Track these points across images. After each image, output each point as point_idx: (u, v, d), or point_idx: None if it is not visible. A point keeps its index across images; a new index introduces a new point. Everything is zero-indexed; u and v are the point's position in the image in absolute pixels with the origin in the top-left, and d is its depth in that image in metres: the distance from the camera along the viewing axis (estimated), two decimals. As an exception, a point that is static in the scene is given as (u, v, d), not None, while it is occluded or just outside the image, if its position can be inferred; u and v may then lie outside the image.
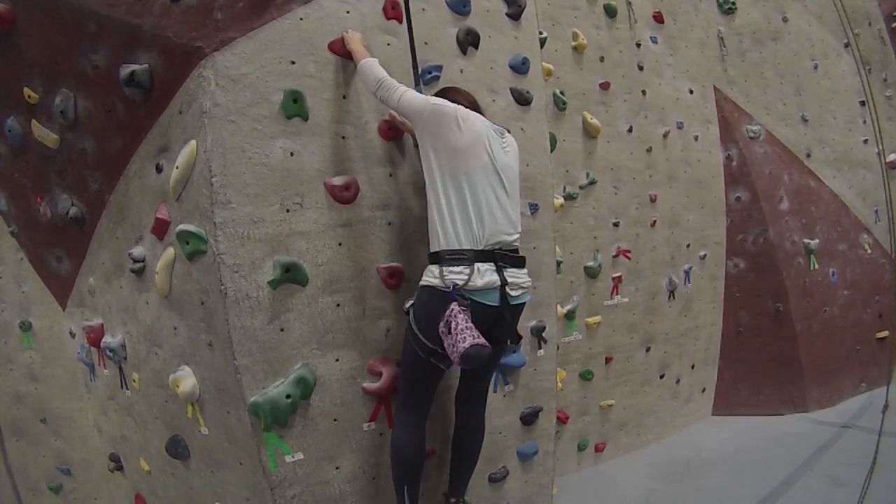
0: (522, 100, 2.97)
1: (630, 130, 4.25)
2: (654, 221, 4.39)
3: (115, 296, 2.89)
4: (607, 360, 4.13)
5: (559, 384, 3.46)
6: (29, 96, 2.74)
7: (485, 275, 2.17)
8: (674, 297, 4.52)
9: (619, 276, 4.16)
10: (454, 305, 2.08)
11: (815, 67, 5.45)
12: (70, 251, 3.20)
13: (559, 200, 3.71)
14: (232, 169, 2.13)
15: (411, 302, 2.29)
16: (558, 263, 3.43)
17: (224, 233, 2.12)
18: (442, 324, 2.07)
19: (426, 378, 2.30)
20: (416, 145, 2.46)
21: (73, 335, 3.45)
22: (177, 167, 2.24)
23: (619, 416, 4.22)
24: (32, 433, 3.55)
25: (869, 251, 5.47)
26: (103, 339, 3.03)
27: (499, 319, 2.25)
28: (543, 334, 3.03)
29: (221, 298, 2.13)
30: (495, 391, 2.83)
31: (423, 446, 2.34)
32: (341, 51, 2.36)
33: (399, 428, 2.32)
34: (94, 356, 3.23)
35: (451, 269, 2.16)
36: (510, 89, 2.94)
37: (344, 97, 2.39)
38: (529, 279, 2.37)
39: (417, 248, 2.52)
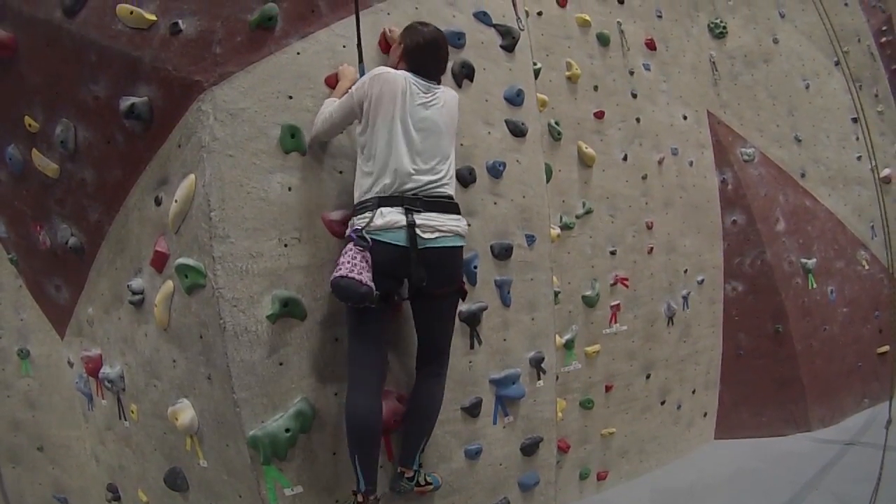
0: (518, 131, 2.99)
1: (625, 158, 4.26)
2: (651, 248, 4.39)
3: (114, 326, 2.89)
4: (607, 389, 4.09)
5: (559, 414, 3.43)
6: (30, 125, 2.76)
7: (387, 216, 2.18)
8: (673, 323, 4.51)
9: (618, 304, 4.14)
10: (350, 244, 2.15)
11: (807, 87, 5.47)
12: (69, 280, 3.20)
13: (556, 230, 3.71)
14: (230, 203, 2.15)
15: None
16: (556, 293, 3.42)
17: (223, 267, 2.13)
18: None
19: (360, 323, 2.23)
20: None
21: (71, 364, 3.44)
22: (176, 200, 2.26)
23: (620, 444, 4.18)
24: (29, 460, 3.52)
25: (866, 267, 5.45)
26: (101, 370, 3.01)
27: (422, 264, 2.22)
28: (542, 364, 3.02)
29: (220, 332, 2.14)
30: (494, 423, 2.82)
31: (377, 414, 2.23)
32: (338, 85, 2.39)
33: (350, 387, 2.24)
34: (92, 386, 3.21)
35: (357, 217, 2.23)
36: (505, 121, 2.97)
37: (341, 131, 2.40)
38: (459, 224, 2.33)
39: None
